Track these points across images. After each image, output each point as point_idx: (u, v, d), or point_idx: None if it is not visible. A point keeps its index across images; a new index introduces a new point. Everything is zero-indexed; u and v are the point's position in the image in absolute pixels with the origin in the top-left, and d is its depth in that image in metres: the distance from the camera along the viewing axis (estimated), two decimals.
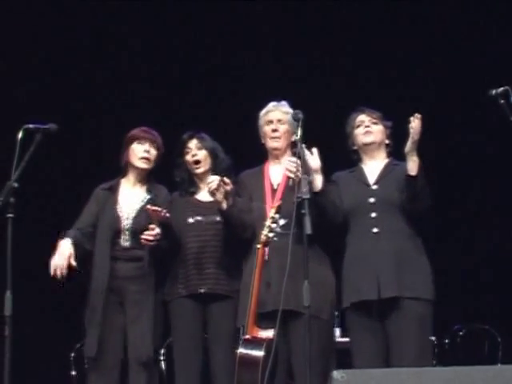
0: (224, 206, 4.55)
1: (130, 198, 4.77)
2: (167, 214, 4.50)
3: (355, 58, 6.72)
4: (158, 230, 4.46)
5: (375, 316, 4.32)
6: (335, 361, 4.59)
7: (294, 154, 4.36)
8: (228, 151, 4.90)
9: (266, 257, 4.50)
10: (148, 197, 4.73)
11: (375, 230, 4.37)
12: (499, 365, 5.72)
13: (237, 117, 6.07)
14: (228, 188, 4.55)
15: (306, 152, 4.36)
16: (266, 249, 4.51)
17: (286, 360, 4.44)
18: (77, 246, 4.56)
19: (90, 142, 6.94)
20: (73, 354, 6.30)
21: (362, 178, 4.54)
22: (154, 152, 4.77)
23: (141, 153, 4.73)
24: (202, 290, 4.68)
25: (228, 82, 6.77)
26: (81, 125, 6.80)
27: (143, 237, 4.48)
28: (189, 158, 4.84)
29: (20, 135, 4.18)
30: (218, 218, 4.68)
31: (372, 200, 4.43)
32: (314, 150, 4.42)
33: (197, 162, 4.81)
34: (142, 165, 4.75)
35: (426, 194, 4.32)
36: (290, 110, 4.63)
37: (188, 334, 4.70)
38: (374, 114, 4.62)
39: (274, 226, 4.52)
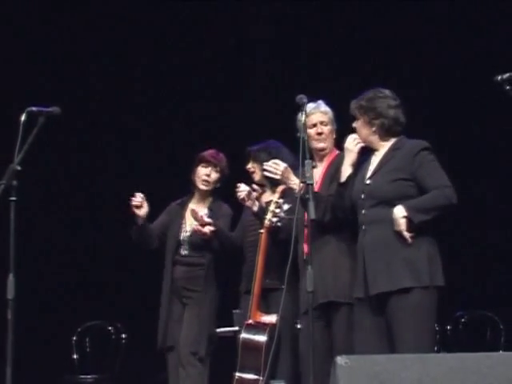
0: (254, 208, 4.85)
1: None
2: (206, 219, 5.07)
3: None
4: (208, 221, 5.07)
5: (372, 308, 4.29)
6: None
7: (299, 138, 4.37)
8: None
9: (305, 256, 4.49)
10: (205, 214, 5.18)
11: (363, 227, 4.31)
12: (501, 352, 5.73)
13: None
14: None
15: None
16: (305, 247, 4.50)
17: (324, 350, 4.42)
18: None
19: (91, 127, 6.94)
20: (75, 338, 6.32)
21: (364, 172, 4.45)
22: (214, 175, 5.30)
23: (202, 176, 5.29)
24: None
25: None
26: (83, 109, 6.79)
27: (195, 227, 5.09)
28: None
29: (23, 118, 4.16)
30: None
31: (363, 196, 4.35)
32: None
33: (252, 173, 5.23)
34: (202, 187, 5.33)
35: None
36: (328, 109, 4.70)
37: None
38: (355, 105, 4.39)
39: (277, 210, 4.52)
